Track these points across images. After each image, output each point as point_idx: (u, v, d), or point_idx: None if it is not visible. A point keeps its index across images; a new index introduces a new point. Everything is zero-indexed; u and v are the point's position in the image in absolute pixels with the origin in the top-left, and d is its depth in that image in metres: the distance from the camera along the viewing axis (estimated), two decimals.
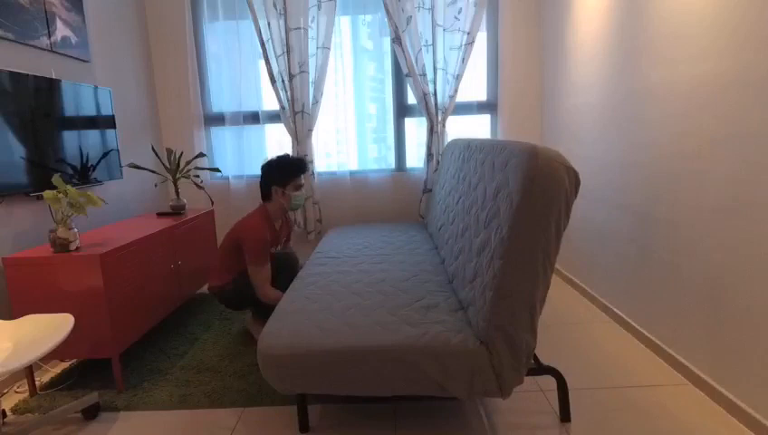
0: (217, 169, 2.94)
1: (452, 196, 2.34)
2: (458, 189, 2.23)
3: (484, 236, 1.62)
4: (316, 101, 3.26)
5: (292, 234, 2.72)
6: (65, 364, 2.24)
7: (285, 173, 2.35)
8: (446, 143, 3.30)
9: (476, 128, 3.54)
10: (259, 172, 3.51)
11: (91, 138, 2.54)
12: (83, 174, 2.46)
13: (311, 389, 1.53)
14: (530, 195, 1.37)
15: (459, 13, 3.17)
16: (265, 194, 2.40)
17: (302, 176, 2.42)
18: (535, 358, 1.80)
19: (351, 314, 1.71)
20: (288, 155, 2.44)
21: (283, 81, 3.23)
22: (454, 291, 1.87)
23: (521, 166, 1.43)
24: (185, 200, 2.89)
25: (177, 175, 2.84)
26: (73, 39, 2.51)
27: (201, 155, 2.92)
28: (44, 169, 2.19)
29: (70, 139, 2.37)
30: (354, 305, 1.79)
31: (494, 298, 1.42)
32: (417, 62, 3.19)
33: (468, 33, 3.17)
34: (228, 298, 2.36)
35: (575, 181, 1.40)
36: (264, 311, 2.42)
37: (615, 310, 2.46)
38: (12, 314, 1.94)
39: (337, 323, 1.65)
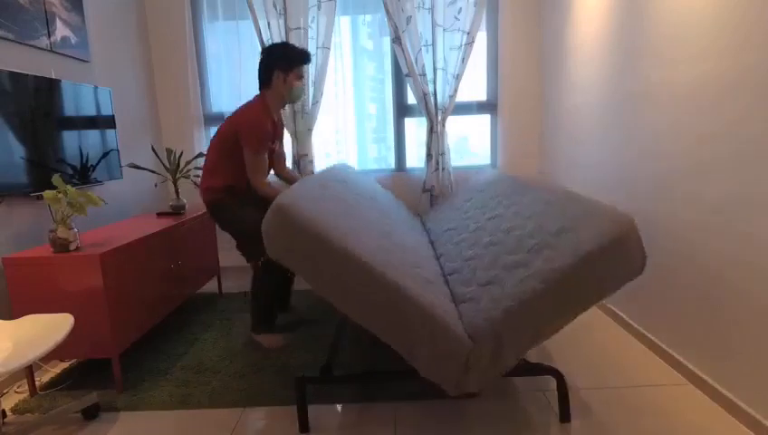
0: None
1: (482, 211, 2.34)
2: (493, 209, 2.24)
3: (522, 258, 1.61)
4: (316, 101, 3.26)
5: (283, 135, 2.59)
6: (65, 364, 2.24)
7: (291, 59, 2.24)
8: (446, 143, 3.30)
9: (476, 128, 3.54)
10: None
11: (91, 138, 2.54)
12: (83, 174, 2.46)
13: (302, 271, 1.45)
14: (608, 252, 1.41)
15: (459, 13, 3.17)
16: (265, 80, 2.27)
17: (305, 67, 2.33)
18: (532, 360, 1.80)
19: (384, 243, 1.68)
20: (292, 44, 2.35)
21: None
22: (448, 284, 1.87)
23: (606, 226, 1.48)
24: (185, 200, 2.89)
25: (177, 175, 2.84)
26: (73, 39, 2.51)
27: (201, 155, 2.91)
28: (44, 169, 2.19)
29: (70, 139, 2.37)
30: (386, 235, 1.77)
31: (514, 309, 1.41)
32: (416, 62, 3.19)
33: (468, 33, 3.17)
34: (222, 213, 2.25)
35: (641, 265, 1.48)
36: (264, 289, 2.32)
37: (615, 310, 2.46)
38: (12, 314, 1.94)
39: (369, 237, 1.62)
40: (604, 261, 1.41)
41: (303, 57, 2.28)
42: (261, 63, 2.27)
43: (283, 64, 2.23)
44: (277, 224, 1.45)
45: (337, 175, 2.30)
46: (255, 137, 2.14)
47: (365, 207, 2.05)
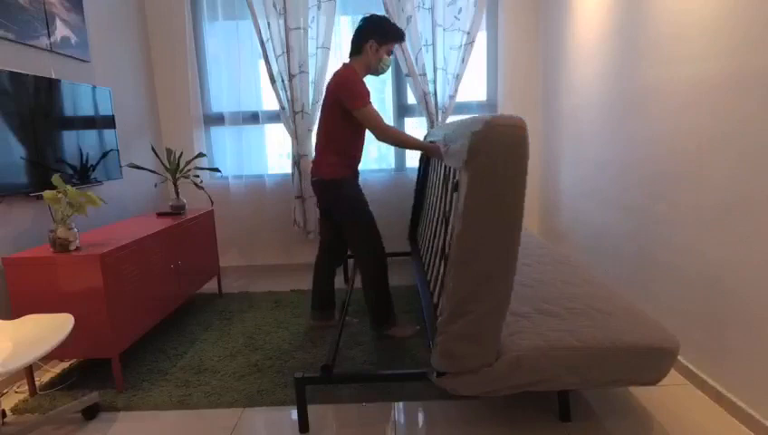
0: (217, 169, 2.94)
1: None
2: (525, 257, 2.28)
3: (558, 311, 1.62)
4: (316, 101, 3.26)
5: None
6: (65, 364, 2.24)
7: (388, 33, 2.23)
8: None
9: None
10: (259, 172, 3.50)
11: (91, 138, 2.53)
12: (83, 174, 2.46)
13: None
14: (644, 354, 1.41)
15: (459, 13, 3.17)
16: (357, 48, 2.23)
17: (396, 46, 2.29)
18: None
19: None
20: None
21: (282, 81, 3.23)
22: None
23: (656, 332, 1.47)
24: (185, 200, 2.89)
25: (177, 175, 2.84)
26: (73, 39, 2.51)
27: (201, 155, 2.92)
28: (44, 169, 2.19)
29: (69, 139, 2.37)
30: None
31: (540, 347, 1.44)
32: (417, 62, 3.19)
33: (468, 33, 3.17)
34: (341, 190, 2.21)
35: (657, 381, 1.45)
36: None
37: None
38: (12, 314, 1.94)
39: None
40: (636, 359, 1.41)
41: (400, 34, 2.28)
42: (357, 31, 2.25)
43: (379, 36, 2.22)
44: (512, 136, 1.28)
45: None
46: (358, 91, 2.11)
47: None
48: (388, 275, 2.29)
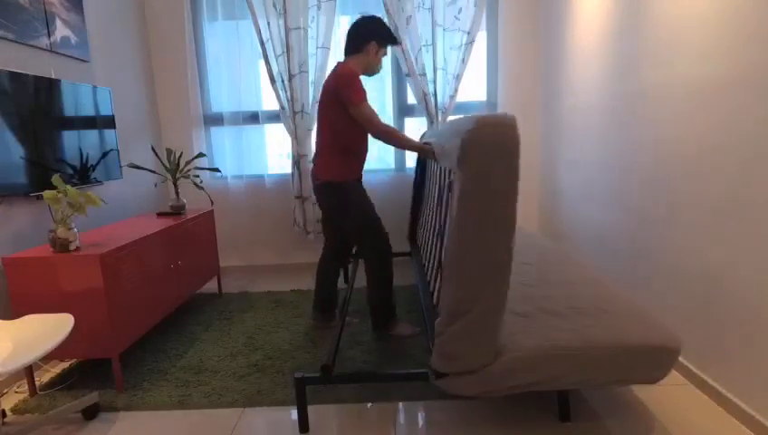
0: (217, 169, 2.94)
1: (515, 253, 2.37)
2: (527, 256, 2.25)
3: (562, 311, 1.62)
4: (316, 101, 3.26)
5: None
6: (65, 364, 2.24)
7: (388, 36, 2.25)
8: None
9: None
10: (259, 172, 3.49)
11: (91, 138, 2.53)
12: (83, 174, 2.46)
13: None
14: (647, 353, 1.43)
15: (459, 12, 3.17)
16: (357, 46, 2.22)
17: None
18: None
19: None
20: None
21: (282, 80, 3.23)
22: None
23: (660, 333, 1.48)
24: (184, 200, 2.89)
25: (177, 175, 2.84)
26: (73, 39, 2.51)
27: (201, 155, 2.92)
28: (44, 169, 2.19)
29: (69, 139, 2.37)
30: None
31: (543, 347, 1.45)
32: (417, 61, 3.19)
33: (468, 33, 3.17)
34: (342, 196, 2.20)
35: (657, 380, 1.46)
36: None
37: None
38: (12, 314, 1.94)
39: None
40: (639, 358, 1.42)
41: (395, 39, 2.31)
42: (357, 30, 2.23)
43: (380, 38, 2.23)
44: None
45: None
46: (354, 87, 2.10)
47: None
48: (392, 276, 2.29)
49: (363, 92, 2.12)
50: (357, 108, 2.10)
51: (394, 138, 2.13)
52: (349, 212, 2.23)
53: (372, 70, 2.28)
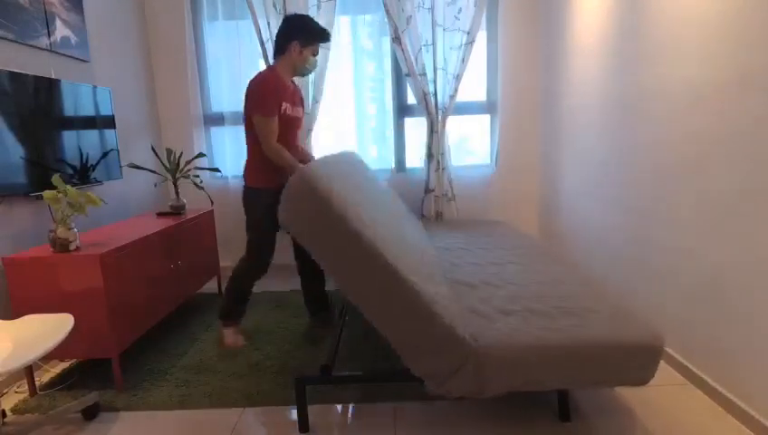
0: (217, 169, 2.94)
1: (497, 254, 2.36)
2: (519, 257, 2.28)
3: (548, 311, 1.64)
4: (316, 101, 3.25)
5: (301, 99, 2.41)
6: (65, 364, 2.24)
7: (312, 34, 2.22)
8: (446, 143, 3.30)
9: (476, 128, 3.54)
10: None
11: (91, 138, 2.53)
12: (83, 174, 2.46)
13: (310, 243, 1.65)
14: (633, 352, 1.45)
15: (459, 12, 3.17)
16: (281, 47, 2.21)
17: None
18: None
19: (393, 232, 1.81)
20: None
21: None
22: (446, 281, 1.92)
23: (644, 332, 1.50)
24: (184, 200, 2.89)
25: (177, 175, 2.84)
26: (73, 39, 2.51)
27: (201, 155, 2.92)
28: (44, 169, 2.19)
29: (69, 139, 2.37)
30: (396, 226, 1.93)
31: (531, 346, 1.46)
32: (417, 61, 3.19)
33: (468, 33, 3.17)
34: (250, 199, 2.21)
35: (645, 381, 1.47)
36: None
37: None
38: (12, 313, 1.94)
39: (385, 228, 1.75)
40: (619, 357, 1.42)
41: (324, 36, 2.26)
42: (279, 31, 2.22)
43: (303, 37, 2.20)
44: (306, 191, 1.61)
45: (351, 161, 2.33)
46: (261, 98, 2.08)
47: (378, 200, 2.12)
48: (250, 291, 2.33)
49: (269, 105, 2.08)
50: (258, 118, 2.09)
51: (280, 157, 2.11)
52: (249, 217, 2.25)
53: (301, 70, 2.26)
